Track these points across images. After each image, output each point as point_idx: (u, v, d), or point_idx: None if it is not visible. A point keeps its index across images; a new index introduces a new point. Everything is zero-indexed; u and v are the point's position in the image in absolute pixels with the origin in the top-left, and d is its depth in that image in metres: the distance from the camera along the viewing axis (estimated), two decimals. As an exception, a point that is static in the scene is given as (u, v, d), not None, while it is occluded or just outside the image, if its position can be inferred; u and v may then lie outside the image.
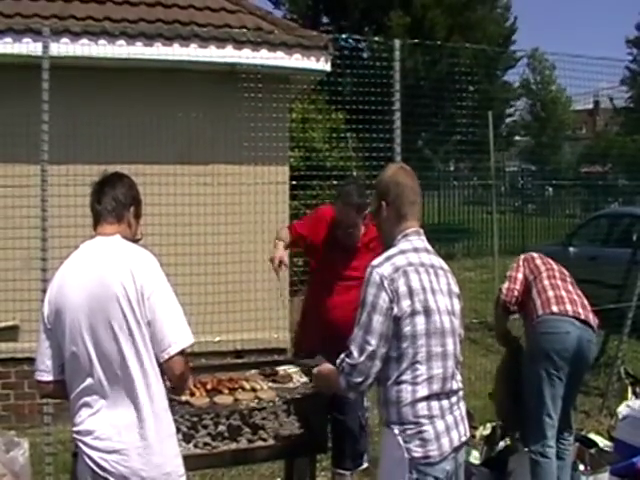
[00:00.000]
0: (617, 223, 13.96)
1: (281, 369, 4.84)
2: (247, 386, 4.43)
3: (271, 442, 4.23)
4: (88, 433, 3.18)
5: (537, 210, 22.33)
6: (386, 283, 3.18)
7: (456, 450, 3.28)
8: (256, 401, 4.26)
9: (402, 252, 3.31)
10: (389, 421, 3.23)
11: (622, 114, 32.81)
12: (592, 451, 6.20)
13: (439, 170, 19.24)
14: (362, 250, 5.14)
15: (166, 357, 3.19)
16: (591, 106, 37.77)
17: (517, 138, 34.46)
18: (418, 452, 3.14)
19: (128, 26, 7.64)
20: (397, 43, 6.85)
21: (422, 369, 3.18)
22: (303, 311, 5.50)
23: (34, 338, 6.24)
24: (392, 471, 3.21)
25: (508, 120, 30.35)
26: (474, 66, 10.21)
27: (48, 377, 3.31)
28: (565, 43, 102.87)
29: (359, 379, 3.20)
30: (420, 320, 3.18)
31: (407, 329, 3.16)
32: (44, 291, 5.83)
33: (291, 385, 4.60)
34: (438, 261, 3.44)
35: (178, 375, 3.25)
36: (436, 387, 3.21)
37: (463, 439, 3.32)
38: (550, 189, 21.82)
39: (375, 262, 3.29)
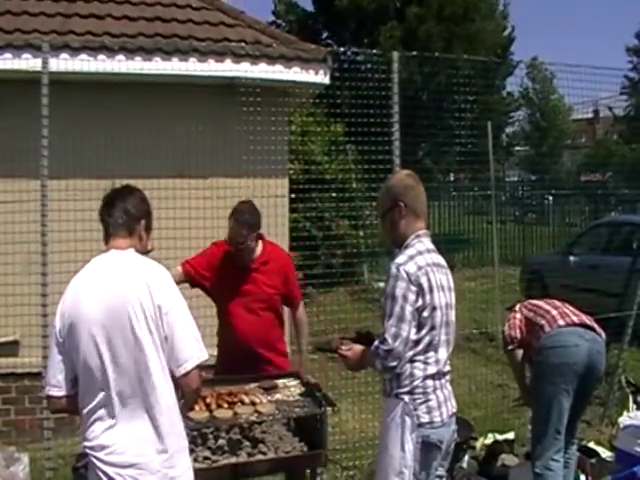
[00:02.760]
0: (617, 231, 13.96)
1: (280, 382, 4.85)
2: (246, 400, 4.44)
3: (271, 455, 4.24)
4: (102, 448, 3.17)
5: (537, 219, 22.34)
6: (413, 279, 3.65)
7: (450, 418, 3.82)
8: (255, 415, 4.27)
9: (420, 253, 3.78)
10: (400, 392, 3.72)
11: (622, 123, 32.81)
12: (593, 461, 6.20)
13: (439, 181, 19.27)
14: (257, 271, 5.20)
15: (183, 372, 3.23)
16: (591, 115, 37.87)
17: (517, 148, 34.48)
18: (425, 418, 3.69)
19: (127, 41, 7.67)
20: (395, 55, 6.89)
21: (432, 353, 3.73)
22: (218, 336, 5.47)
23: (34, 353, 6.35)
24: (400, 435, 3.69)
25: (508, 130, 30.38)
26: (472, 77, 10.24)
27: (59, 392, 3.29)
28: (564, 52, 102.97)
29: (394, 363, 3.64)
30: (437, 313, 3.73)
31: (427, 320, 3.69)
32: (44, 306, 5.93)
33: (291, 399, 4.61)
34: (441, 260, 3.93)
35: (194, 389, 3.31)
36: (440, 367, 3.77)
37: (454, 410, 3.88)
38: (550, 198, 21.82)
39: (400, 261, 3.72)
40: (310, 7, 26.56)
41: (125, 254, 3.33)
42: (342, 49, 9.83)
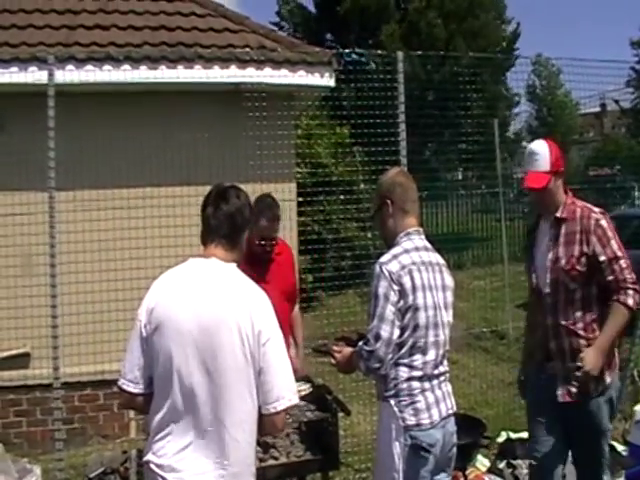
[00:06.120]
0: (627, 225, 13.90)
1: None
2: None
3: (283, 460, 4.25)
4: (172, 470, 3.00)
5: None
6: (394, 278, 3.56)
7: (444, 419, 3.70)
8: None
9: (406, 251, 3.69)
10: (386, 395, 3.65)
11: (629, 115, 32.70)
12: (607, 456, 6.18)
13: (446, 179, 19.18)
14: (275, 262, 5.24)
15: (272, 411, 3.06)
16: (598, 109, 37.73)
17: (524, 144, 34.38)
18: (412, 420, 3.59)
19: (132, 50, 7.72)
20: (400, 55, 6.90)
21: (418, 355, 3.63)
22: None
23: (45, 365, 6.41)
24: (388, 438, 3.61)
25: (514, 127, 30.27)
26: (477, 73, 10.24)
27: (136, 389, 3.11)
28: (569, 46, 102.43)
29: (377, 364, 3.56)
30: (421, 314, 3.61)
31: (410, 321, 3.59)
32: (54, 317, 5.98)
33: (302, 403, 4.61)
34: (435, 257, 3.83)
35: (279, 430, 3.20)
36: (429, 370, 3.66)
37: (450, 412, 3.76)
38: (559, 193, 21.72)
39: (383, 259, 3.65)
40: (313, 9, 26.66)
41: (228, 269, 3.17)
42: (347, 51, 9.81)
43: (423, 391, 3.64)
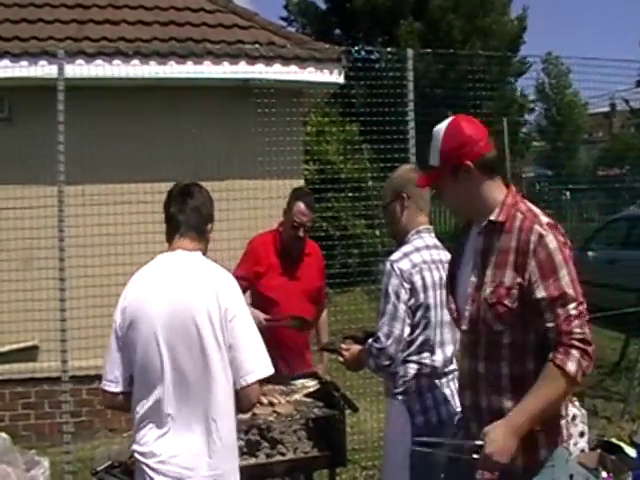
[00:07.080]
0: (636, 225, 13.88)
1: (298, 382, 4.85)
2: (265, 401, 4.43)
3: (290, 456, 4.24)
4: (153, 455, 3.09)
5: (554, 215, 22.06)
6: (405, 276, 3.58)
7: (452, 417, 3.60)
8: (274, 415, 4.27)
9: (417, 250, 3.70)
10: (395, 392, 3.69)
11: (638, 115, 32.51)
12: (613, 457, 6.16)
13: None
14: (304, 262, 5.16)
15: (244, 384, 3.13)
16: (607, 109, 37.55)
17: (534, 143, 34.24)
18: (420, 417, 3.62)
19: (142, 45, 7.74)
20: (410, 52, 6.90)
21: (427, 353, 3.66)
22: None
23: (53, 358, 6.42)
24: (397, 436, 3.64)
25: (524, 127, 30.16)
26: (489, 72, 10.22)
27: (116, 388, 3.20)
28: (578, 45, 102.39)
29: (387, 362, 3.58)
30: (432, 313, 3.65)
31: (420, 320, 3.63)
32: (63, 310, 6.00)
33: (309, 399, 4.60)
34: (445, 256, 3.76)
35: (253, 403, 3.27)
36: (437, 368, 3.68)
37: (458, 409, 3.57)
38: (567, 193, 21.63)
39: (394, 257, 3.66)
40: (323, 5, 26.60)
41: (193, 256, 3.26)
42: (356, 48, 9.80)
43: (431, 389, 3.66)
